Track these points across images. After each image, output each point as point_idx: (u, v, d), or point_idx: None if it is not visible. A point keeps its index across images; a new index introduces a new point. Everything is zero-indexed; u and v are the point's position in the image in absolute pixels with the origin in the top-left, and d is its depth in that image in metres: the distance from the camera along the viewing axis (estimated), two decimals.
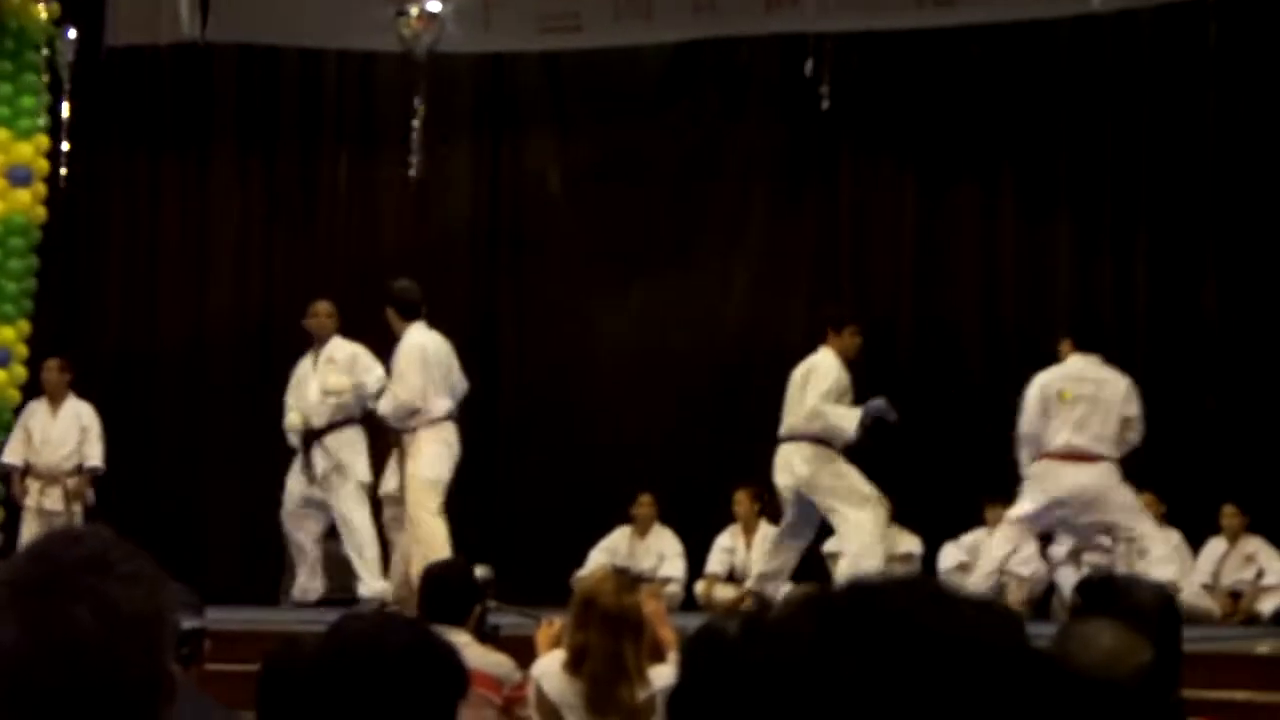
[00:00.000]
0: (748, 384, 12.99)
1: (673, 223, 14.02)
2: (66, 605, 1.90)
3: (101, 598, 1.91)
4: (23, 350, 12.65)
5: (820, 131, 13.76)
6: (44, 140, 12.76)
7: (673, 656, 5.33)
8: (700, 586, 12.83)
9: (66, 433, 12.13)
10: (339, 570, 11.53)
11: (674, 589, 12.63)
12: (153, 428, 14.27)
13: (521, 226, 14.54)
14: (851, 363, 10.78)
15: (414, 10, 11.82)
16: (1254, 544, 12.17)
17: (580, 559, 12.46)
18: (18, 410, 12.41)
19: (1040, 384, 10.19)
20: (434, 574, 6.56)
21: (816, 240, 13.96)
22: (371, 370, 11.26)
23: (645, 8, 13.52)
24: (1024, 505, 10.26)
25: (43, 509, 11.92)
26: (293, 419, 11.47)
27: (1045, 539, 11.37)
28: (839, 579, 10.08)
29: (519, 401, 13.98)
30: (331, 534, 11.53)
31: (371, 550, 11.09)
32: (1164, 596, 3.78)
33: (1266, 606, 11.91)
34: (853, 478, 10.61)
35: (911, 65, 13.54)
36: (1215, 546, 12.18)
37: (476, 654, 5.77)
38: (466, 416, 10.90)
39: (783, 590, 10.76)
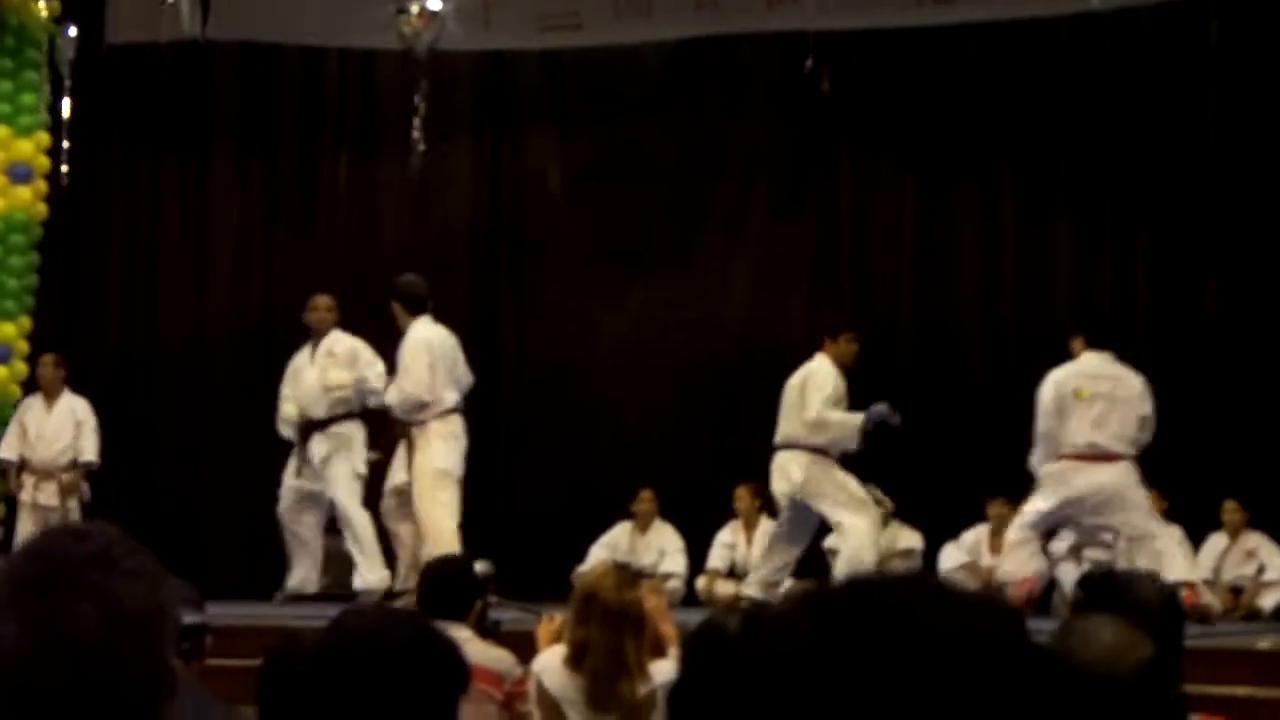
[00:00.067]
0: (748, 382, 12.99)
1: (673, 221, 14.02)
2: (70, 601, 1.91)
3: (105, 594, 1.91)
4: (24, 347, 12.67)
5: (821, 130, 13.77)
6: (45, 137, 12.77)
7: (673, 652, 5.34)
8: (701, 582, 12.84)
9: (61, 428, 12.15)
10: (338, 566, 11.54)
11: (675, 584, 12.64)
12: (153, 424, 14.28)
13: (522, 225, 14.54)
14: (851, 362, 10.78)
15: (414, 8, 11.82)
16: (1255, 539, 12.17)
17: (581, 554, 12.46)
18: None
19: (1055, 382, 10.04)
20: (434, 569, 6.57)
21: (816, 239, 13.96)
22: (372, 365, 11.27)
23: (645, 6, 13.52)
24: (1038, 503, 10.15)
25: (38, 504, 11.95)
26: (288, 410, 11.47)
27: (1047, 534, 11.35)
28: (837, 576, 10.09)
29: (519, 399, 13.98)
30: (330, 529, 11.53)
31: (371, 541, 11.10)
32: (1165, 592, 3.79)
33: (1267, 602, 11.92)
34: (850, 485, 10.63)
35: (911, 63, 13.53)
36: (1216, 542, 12.19)
37: (477, 649, 5.77)
38: (467, 413, 10.90)
39: (784, 586, 10.79)
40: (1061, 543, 11.40)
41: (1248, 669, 8.29)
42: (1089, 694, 3.03)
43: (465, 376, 10.83)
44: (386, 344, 11.22)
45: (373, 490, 11.32)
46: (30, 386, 12.46)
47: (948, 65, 13.47)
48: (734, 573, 12.72)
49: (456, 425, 10.63)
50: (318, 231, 14.71)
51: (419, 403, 10.50)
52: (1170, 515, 11.29)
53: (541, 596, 9.67)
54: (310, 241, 14.66)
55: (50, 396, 12.24)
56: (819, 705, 1.32)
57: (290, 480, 11.44)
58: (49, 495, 11.98)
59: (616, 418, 13.71)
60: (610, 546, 12.89)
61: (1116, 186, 13.24)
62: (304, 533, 11.47)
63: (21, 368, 12.59)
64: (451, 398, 10.59)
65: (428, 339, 10.58)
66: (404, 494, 10.78)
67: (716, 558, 12.91)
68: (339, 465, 11.25)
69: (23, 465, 12.11)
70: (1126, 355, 10.24)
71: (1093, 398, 9.92)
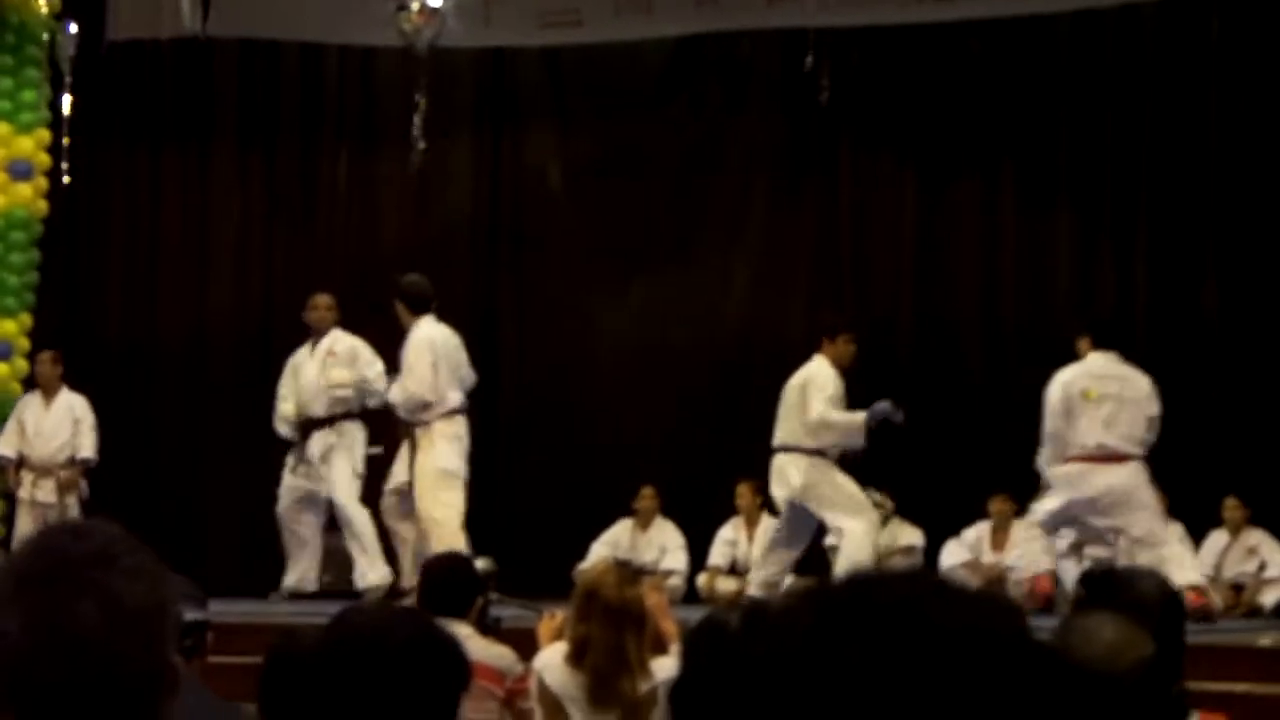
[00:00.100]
0: (748, 379, 12.99)
1: (673, 218, 14.01)
2: (71, 599, 1.91)
3: (106, 591, 1.91)
4: (24, 344, 12.67)
5: (821, 127, 13.76)
6: (45, 134, 12.77)
7: (674, 649, 5.34)
8: (702, 579, 12.84)
9: (59, 425, 12.14)
10: (339, 563, 11.53)
11: (676, 582, 12.64)
12: (153, 421, 14.28)
13: (522, 222, 14.53)
14: (849, 362, 10.77)
15: (415, 5, 11.80)
16: (1256, 536, 12.17)
17: (582, 552, 12.46)
18: None
19: (1063, 383, 9.96)
20: (435, 566, 6.56)
21: (817, 235, 13.95)
22: (372, 365, 11.28)
23: (646, 3, 13.51)
24: (1049, 504, 10.09)
25: (36, 501, 11.95)
26: (286, 408, 11.46)
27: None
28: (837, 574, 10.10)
29: (520, 396, 13.98)
30: (330, 526, 11.52)
31: (372, 539, 11.10)
32: (1166, 589, 3.78)
33: (1268, 599, 11.91)
34: (849, 487, 10.64)
35: (912, 60, 13.52)
36: (1217, 539, 12.18)
37: (478, 646, 5.77)
38: (467, 410, 10.89)
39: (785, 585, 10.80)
40: (1062, 540, 11.38)
41: (1248, 666, 8.30)
42: (1089, 691, 3.04)
43: (468, 375, 10.82)
44: (387, 341, 11.21)
45: (372, 487, 11.31)
46: (31, 384, 12.46)
47: (948, 62, 13.46)
48: (735, 569, 12.72)
49: (460, 426, 10.62)
50: (318, 228, 14.71)
51: (422, 402, 10.49)
52: (1171, 512, 11.28)
53: (542, 594, 9.66)
54: (310, 238, 14.66)
55: (48, 393, 12.24)
56: (820, 702, 1.32)
57: (289, 480, 11.44)
58: (47, 492, 11.98)
59: (617, 415, 13.70)
60: (611, 544, 12.89)
61: (1117, 183, 13.24)
62: (303, 531, 11.47)
63: (22, 365, 12.60)
64: (455, 398, 10.58)
65: (431, 338, 10.57)
66: (404, 493, 10.77)
67: (718, 555, 12.91)
68: (338, 463, 11.25)
69: (21, 462, 12.11)
70: (1126, 352, 10.22)
71: (1101, 398, 9.88)
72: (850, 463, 10.82)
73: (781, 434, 10.75)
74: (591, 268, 14.04)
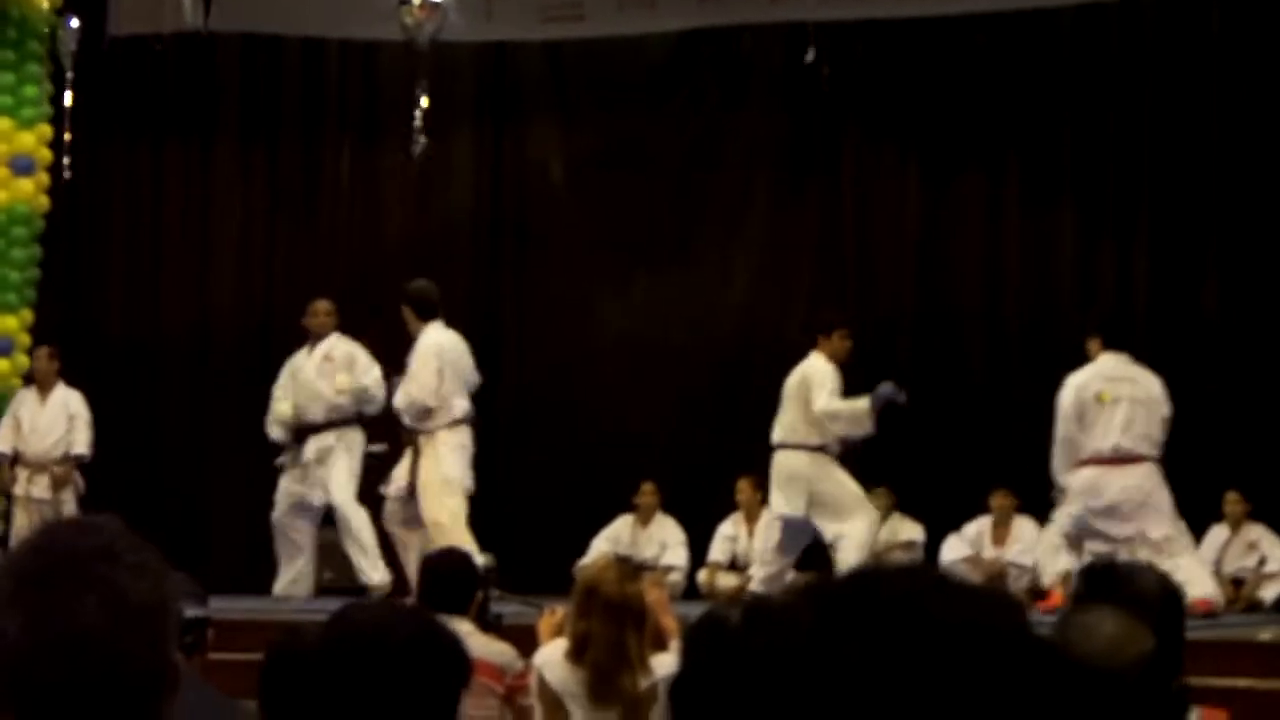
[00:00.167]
0: (749, 374, 12.98)
1: (675, 213, 14.01)
2: (74, 595, 1.91)
3: (109, 587, 1.92)
4: (25, 340, 12.67)
5: (824, 121, 13.76)
6: (47, 129, 12.77)
7: (675, 645, 5.34)
8: (702, 575, 12.83)
9: (55, 421, 12.11)
10: (340, 560, 11.51)
11: (676, 577, 12.64)
12: (156, 417, 14.28)
13: (524, 216, 14.53)
14: (855, 353, 10.77)
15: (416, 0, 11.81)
16: (1256, 531, 12.16)
17: (582, 548, 12.46)
18: None
19: (1075, 386, 9.89)
20: (435, 562, 6.56)
21: (819, 230, 13.94)
22: (369, 372, 11.26)
23: None
24: (1072, 510, 9.98)
25: (31, 497, 11.92)
26: (282, 409, 11.42)
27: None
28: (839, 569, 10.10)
29: (521, 391, 13.96)
30: (327, 521, 11.49)
31: (370, 540, 11.06)
32: (1166, 584, 3.78)
33: (1269, 594, 11.90)
34: (849, 484, 10.64)
35: (914, 55, 13.51)
36: (1218, 534, 12.17)
37: (479, 643, 5.77)
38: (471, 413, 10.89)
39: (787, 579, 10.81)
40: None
41: (1249, 661, 8.30)
42: (1090, 687, 3.03)
43: (472, 377, 10.81)
44: (389, 337, 11.22)
45: (373, 488, 11.25)
46: (32, 380, 12.45)
47: (951, 56, 13.45)
48: (735, 565, 12.71)
49: (465, 435, 10.61)
50: (320, 223, 14.70)
51: (423, 408, 10.49)
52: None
53: (543, 590, 9.67)
54: (312, 233, 14.66)
55: (44, 389, 12.21)
56: (820, 697, 1.32)
57: (284, 485, 11.40)
58: (42, 488, 11.95)
59: (618, 410, 13.69)
60: (612, 540, 12.89)
61: (1120, 178, 13.23)
62: (298, 538, 11.44)
63: (24, 361, 12.59)
64: (461, 406, 10.56)
65: (439, 344, 10.55)
66: (404, 500, 10.71)
67: (718, 550, 12.90)
68: (336, 464, 11.21)
69: (16, 458, 12.09)
70: (1126, 347, 10.21)
71: (1115, 401, 9.84)
72: (850, 462, 10.82)
73: (781, 431, 10.75)
74: (593, 262, 14.03)
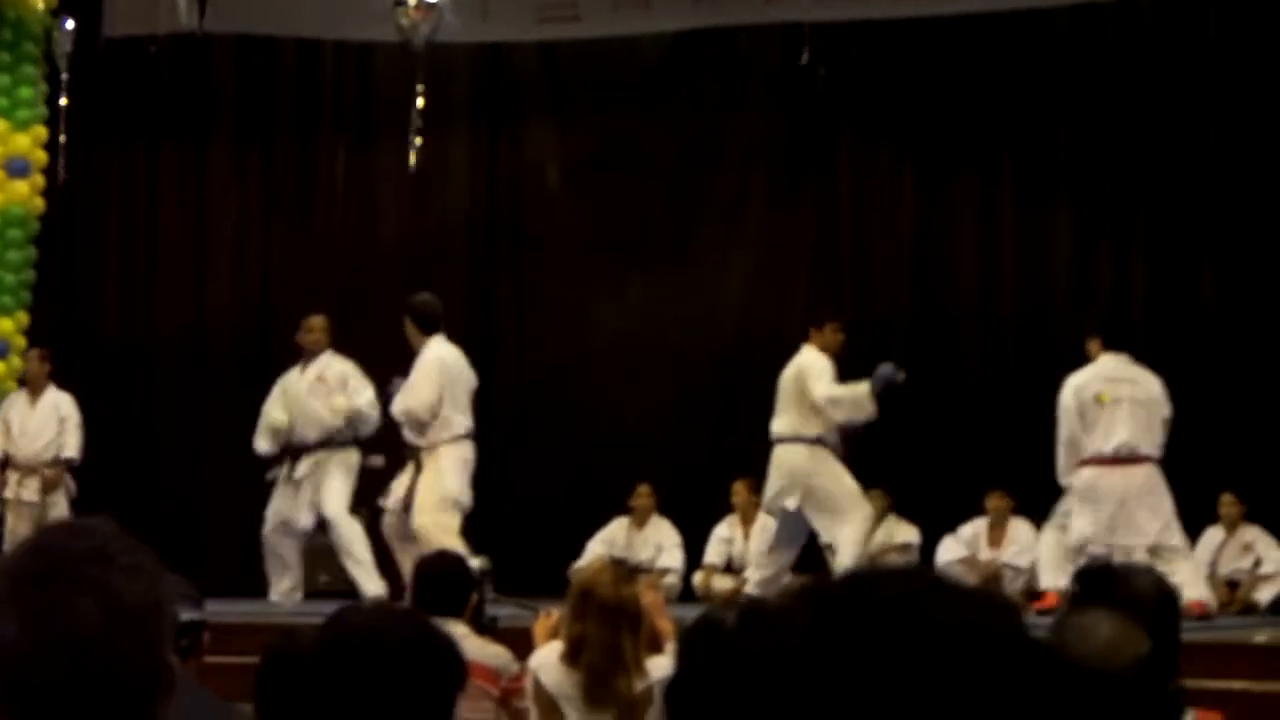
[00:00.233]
0: (746, 376, 12.97)
1: (671, 214, 14.01)
2: (70, 597, 1.91)
3: (105, 589, 1.91)
4: (21, 342, 12.65)
5: (819, 122, 13.76)
6: (42, 131, 12.76)
7: (670, 647, 5.34)
8: (698, 577, 12.82)
9: (45, 423, 12.09)
10: (334, 564, 11.49)
11: (672, 580, 12.63)
12: (151, 420, 14.27)
13: (520, 216, 14.53)
14: (850, 355, 10.77)
15: (412, 0, 11.81)
16: (1252, 533, 12.16)
17: (578, 550, 12.46)
18: None
19: (1075, 387, 9.93)
20: (428, 565, 6.55)
21: (815, 231, 13.95)
22: (362, 393, 11.22)
23: None
24: (1082, 526, 9.92)
25: (21, 500, 11.90)
26: (274, 421, 11.37)
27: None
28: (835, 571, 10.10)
29: (517, 392, 13.95)
30: (322, 528, 11.45)
31: (365, 552, 10.99)
32: (1162, 586, 3.78)
33: (1264, 595, 11.90)
34: (845, 478, 10.63)
35: (910, 55, 13.51)
36: (1213, 536, 12.17)
37: (474, 645, 5.77)
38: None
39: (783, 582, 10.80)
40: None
41: (1245, 663, 8.30)
42: (1085, 689, 3.03)
43: (471, 383, 10.78)
44: (384, 340, 11.20)
45: (369, 500, 11.22)
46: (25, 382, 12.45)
47: (947, 57, 13.45)
48: (731, 568, 12.71)
49: (467, 450, 10.59)
50: (315, 224, 14.70)
51: (418, 421, 10.47)
52: None
53: (538, 592, 9.68)
54: (308, 234, 14.65)
55: (35, 391, 12.18)
56: (816, 699, 1.32)
57: (274, 505, 11.37)
58: (32, 491, 11.92)
59: (614, 412, 13.69)
60: (607, 542, 12.89)
61: (1116, 177, 13.23)
62: (286, 555, 11.42)
63: (19, 363, 12.58)
64: (461, 422, 10.52)
65: (441, 360, 10.52)
66: (403, 514, 10.66)
67: (714, 553, 12.90)
68: (330, 478, 11.18)
69: (6, 461, 12.07)
70: (1124, 348, 10.21)
71: (1115, 401, 9.84)
72: (850, 458, 10.81)
73: (779, 426, 10.73)
74: (589, 263, 14.03)
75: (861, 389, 10.45)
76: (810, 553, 11.11)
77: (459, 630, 5.40)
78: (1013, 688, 1.33)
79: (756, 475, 11.40)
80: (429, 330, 10.60)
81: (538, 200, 14.43)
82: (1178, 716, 3.56)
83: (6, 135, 12.58)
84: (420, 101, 12.14)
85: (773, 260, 13.91)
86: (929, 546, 12.57)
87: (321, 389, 11.30)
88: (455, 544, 9.98)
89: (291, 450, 11.29)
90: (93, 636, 1.90)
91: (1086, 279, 13.20)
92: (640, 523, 13.12)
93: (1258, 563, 12.09)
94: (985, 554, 12.42)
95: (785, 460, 10.70)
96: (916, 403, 12.09)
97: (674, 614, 6.15)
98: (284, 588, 11.39)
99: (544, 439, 13.75)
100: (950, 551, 12.44)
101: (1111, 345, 10.09)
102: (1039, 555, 11.04)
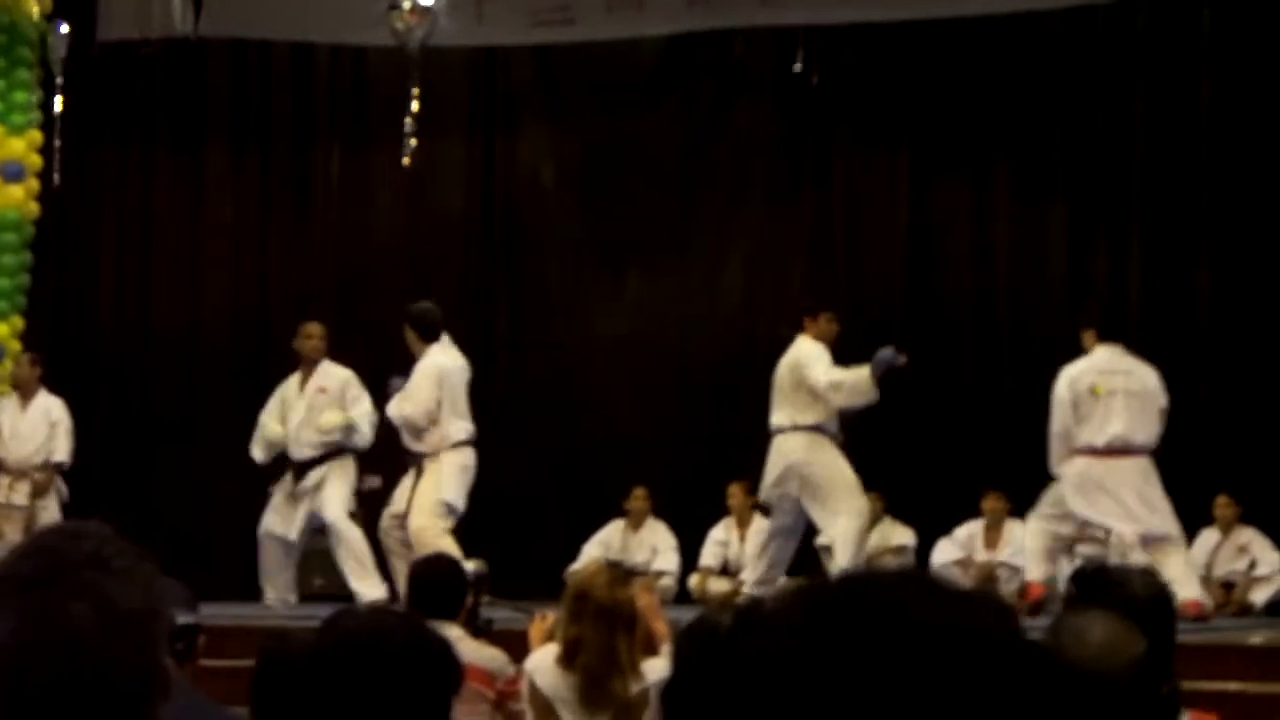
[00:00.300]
0: (742, 376, 12.96)
1: (667, 216, 14.01)
2: (65, 601, 1.91)
3: (101, 593, 1.91)
4: (16, 346, 12.64)
5: (814, 125, 13.77)
6: (37, 135, 12.76)
7: (666, 650, 5.34)
8: (694, 580, 12.82)
9: (35, 428, 12.07)
10: (329, 567, 11.48)
11: (667, 582, 12.63)
12: (147, 425, 14.25)
13: (515, 219, 14.53)
14: (846, 356, 10.75)
15: (407, 4, 11.81)
16: (1247, 535, 12.16)
17: (573, 553, 12.45)
18: None
19: (1069, 379, 9.93)
20: (423, 569, 6.55)
21: (810, 234, 13.95)
22: (359, 402, 11.22)
23: (637, 0, 13.51)
24: (1080, 509, 9.93)
25: (12, 504, 11.88)
26: (271, 433, 11.37)
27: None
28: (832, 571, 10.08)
29: (512, 395, 13.93)
30: (319, 531, 11.45)
31: (366, 556, 11.00)
32: (1157, 588, 3.78)
33: (1259, 597, 11.91)
34: (844, 470, 10.61)
35: (905, 56, 13.52)
36: (1208, 537, 12.17)
37: (470, 648, 5.77)
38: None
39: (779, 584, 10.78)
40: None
41: (1240, 664, 8.31)
42: (1081, 691, 3.04)
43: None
44: (380, 343, 11.20)
45: (366, 522, 11.21)
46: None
47: (941, 58, 13.46)
48: (727, 570, 12.71)
49: (468, 457, 10.59)
50: (311, 228, 14.69)
51: (415, 427, 10.48)
52: None
53: (534, 595, 9.68)
54: (304, 238, 14.64)
55: (26, 396, 12.16)
56: (811, 702, 1.32)
57: (268, 517, 11.37)
58: (23, 495, 11.91)
59: (609, 415, 13.70)
60: (603, 544, 12.88)
61: (1110, 177, 13.24)
62: (280, 560, 11.44)
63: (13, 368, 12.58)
64: (461, 429, 10.52)
65: (441, 369, 10.51)
66: (404, 521, 10.66)
67: (709, 555, 12.90)
68: (330, 485, 11.19)
69: None
70: (1118, 339, 10.21)
71: (1110, 393, 9.85)
72: (847, 450, 10.80)
73: (777, 418, 10.70)
74: (585, 266, 14.04)
75: (862, 372, 10.41)
76: (803, 555, 11.10)
77: (454, 633, 5.40)
78: (1008, 690, 1.33)
79: (752, 478, 11.39)
80: (429, 338, 10.60)
81: (533, 203, 14.44)
82: (1174, 718, 3.56)
83: (1, 140, 12.58)
84: (415, 105, 12.14)
85: (768, 261, 13.91)
86: (924, 549, 12.57)
87: (322, 400, 11.31)
88: (450, 547, 9.98)
89: (292, 464, 11.30)
90: (88, 640, 1.90)
91: (1081, 280, 13.19)
92: (636, 525, 13.12)
93: (1253, 564, 12.09)
94: (981, 555, 12.42)
95: (783, 448, 10.66)
96: (911, 404, 12.10)
97: (669, 616, 6.15)
98: (275, 592, 11.39)
99: (539, 442, 13.75)
100: (946, 554, 12.45)
101: (1107, 337, 10.09)
102: (1025, 546, 11.00)
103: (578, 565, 11.60)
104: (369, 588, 10.89)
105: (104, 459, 13.09)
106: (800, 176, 13.99)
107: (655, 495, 13.10)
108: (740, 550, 12.59)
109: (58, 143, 12.81)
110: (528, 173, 14.50)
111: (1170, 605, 3.76)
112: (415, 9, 11.79)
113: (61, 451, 12.04)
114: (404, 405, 10.50)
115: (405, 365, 10.68)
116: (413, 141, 12.16)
